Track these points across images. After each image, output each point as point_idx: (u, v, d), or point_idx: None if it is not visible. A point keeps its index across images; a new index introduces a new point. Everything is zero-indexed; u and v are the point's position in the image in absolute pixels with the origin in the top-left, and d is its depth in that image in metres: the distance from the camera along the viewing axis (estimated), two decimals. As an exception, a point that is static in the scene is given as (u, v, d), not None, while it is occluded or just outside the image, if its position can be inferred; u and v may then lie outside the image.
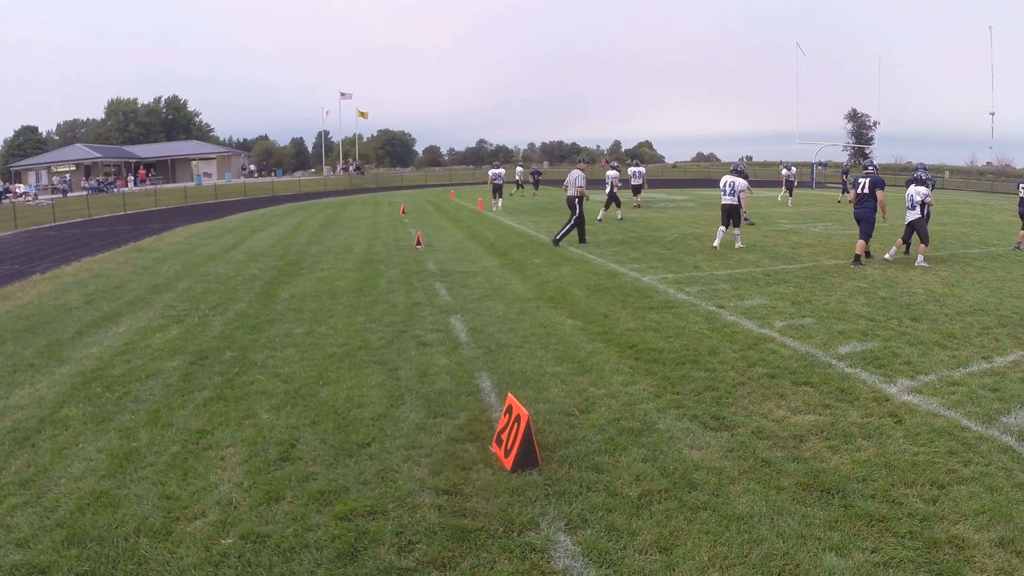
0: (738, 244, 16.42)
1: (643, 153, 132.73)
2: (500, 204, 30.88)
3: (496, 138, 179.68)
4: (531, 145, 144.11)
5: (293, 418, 5.75)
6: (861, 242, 13.98)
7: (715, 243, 16.30)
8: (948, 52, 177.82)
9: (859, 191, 14.13)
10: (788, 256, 14.96)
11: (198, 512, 4.24)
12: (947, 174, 73.14)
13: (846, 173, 34.99)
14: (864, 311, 9.57)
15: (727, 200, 16.03)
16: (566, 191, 17.55)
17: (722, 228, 16.33)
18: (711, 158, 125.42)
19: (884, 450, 5.11)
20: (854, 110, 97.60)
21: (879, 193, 13.89)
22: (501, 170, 32.61)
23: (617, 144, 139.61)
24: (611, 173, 24.68)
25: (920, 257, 13.82)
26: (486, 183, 39.48)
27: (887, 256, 14.35)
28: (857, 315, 9.33)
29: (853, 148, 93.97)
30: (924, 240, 13.87)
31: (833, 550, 3.83)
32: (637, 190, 28.99)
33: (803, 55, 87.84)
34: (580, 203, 17.11)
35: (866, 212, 13.95)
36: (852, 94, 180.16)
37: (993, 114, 69.50)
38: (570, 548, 3.86)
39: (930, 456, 5.01)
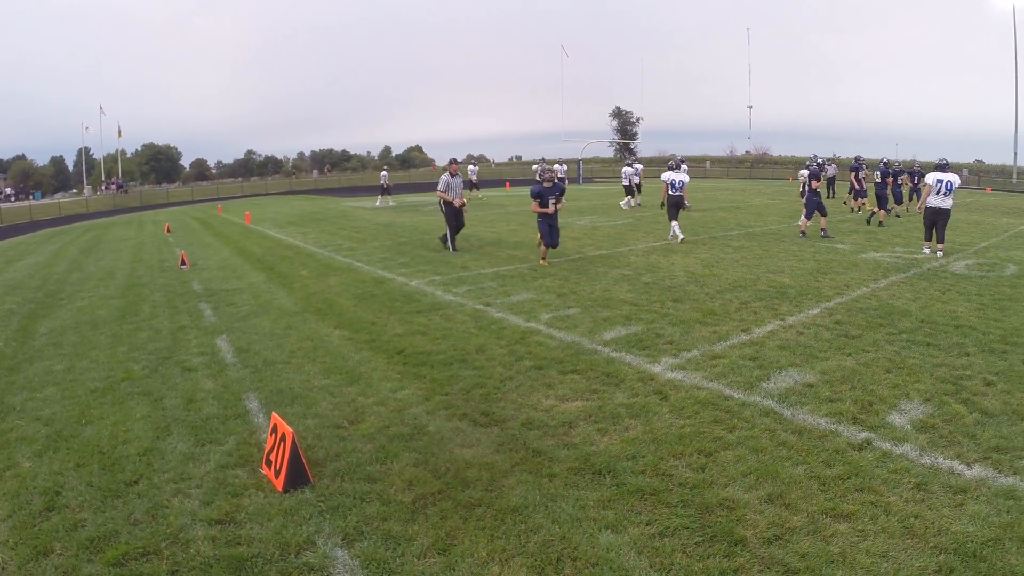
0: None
1: (414, 157, 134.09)
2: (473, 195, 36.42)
3: (265, 148, 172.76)
4: (300, 154, 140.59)
5: (56, 463, 5.39)
6: (883, 212, 20.41)
7: (676, 232, 17.65)
8: (709, 52, 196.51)
9: (876, 180, 21.49)
10: (554, 250, 15.62)
11: (-36, 579, 3.87)
12: (708, 164, 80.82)
13: (855, 171, 23.03)
14: (628, 297, 10.23)
15: (677, 193, 17.87)
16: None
17: (675, 222, 17.89)
18: (481, 159, 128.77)
19: (651, 427, 5.47)
20: (618, 108, 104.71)
21: (888, 180, 21.39)
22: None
23: (388, 149, 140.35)
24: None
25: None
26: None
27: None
28: (621, 301, 9.95)
29: (618, 144, 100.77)
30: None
31: (609, 528, 4.02)
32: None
33: (567, 56, 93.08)
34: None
35: (883, 191, 21.13)
36: (618, 93, 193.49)
37: (751, 107, 77.93)
38: (348, 562, 3.87)
39: (696, 427, 5.44)
